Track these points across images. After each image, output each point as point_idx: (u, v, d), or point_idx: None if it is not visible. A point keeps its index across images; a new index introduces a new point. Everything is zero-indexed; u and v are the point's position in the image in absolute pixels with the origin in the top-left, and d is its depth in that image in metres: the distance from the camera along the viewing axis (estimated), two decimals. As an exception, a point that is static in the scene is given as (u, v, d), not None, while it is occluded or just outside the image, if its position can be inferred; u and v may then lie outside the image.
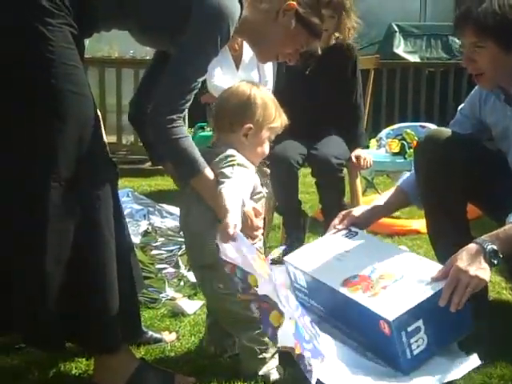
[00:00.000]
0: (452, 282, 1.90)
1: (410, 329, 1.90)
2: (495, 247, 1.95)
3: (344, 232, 2.33)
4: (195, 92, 1.92)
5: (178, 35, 1.93)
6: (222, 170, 1.88)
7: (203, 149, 1.98)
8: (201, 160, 1.90)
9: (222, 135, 2.00)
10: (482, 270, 1.91)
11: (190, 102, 1.91)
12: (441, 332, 1.97)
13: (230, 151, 1.92)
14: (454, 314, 1.92)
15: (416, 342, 1.92)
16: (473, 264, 1.92)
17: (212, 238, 1.86)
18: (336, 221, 2.38)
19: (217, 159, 1.91)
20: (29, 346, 2.10)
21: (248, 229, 1.89)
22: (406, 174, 2.59)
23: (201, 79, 1.92)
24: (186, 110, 1.93)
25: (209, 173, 1.90)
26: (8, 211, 1.80)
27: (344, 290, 2.02)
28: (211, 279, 1.95)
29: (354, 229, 2.34)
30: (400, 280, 2.01)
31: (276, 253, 2.23)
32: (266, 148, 2.01)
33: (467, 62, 2.26)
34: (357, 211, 2.42)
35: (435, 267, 2.03)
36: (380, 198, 2.57)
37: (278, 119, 1.99)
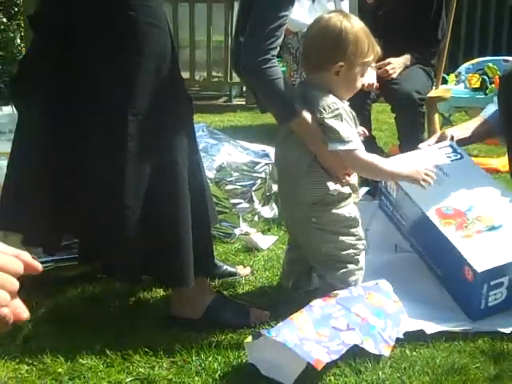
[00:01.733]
0: None
1: (493, 282, 1.86)
2: None
3: (448, 150, 2.20)
4: (284, 26, 1.84)
5: None
6: (329, 122, 1.82)
7: (297, 88, 1.93)
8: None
9: (312, 74, 1.92)
10: None
11: (281, 37, 1.84)
12: None
13: (331, 98, 1.85)
14: None
15: (495, 295, 1.88)
16: None
17: (310, 177, 1.86)
18: (432, 140, 2.27)
19: (319, 107, 1.84)
20: (109, 276, 2.17)
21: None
22: (491, 106, 2.47)
23: (289, 12, 1.85)
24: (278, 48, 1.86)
25: (306, 114, 1.86)
26: (87, 145, 1.83)
27: (436, 220, 1.95)
28: (306, 214, 1.92)
29: (459, 150, 2.19)
30: (497, 229, 1.94)
31: (360, 193, 2.21)
32: (358, 83, 1.93)
33: None
34: (452, 131, 2.31)
35: None
36: (468, 125, 2.44)
37: (371, 53, 1.88)
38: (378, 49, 1.93)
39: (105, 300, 2.16)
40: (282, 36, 1.86)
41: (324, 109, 1.83)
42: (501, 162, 3.60)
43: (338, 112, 1.84)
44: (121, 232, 1.83)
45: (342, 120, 1.83)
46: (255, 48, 1.82)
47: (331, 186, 1.87)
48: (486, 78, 4.41)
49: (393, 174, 1.97)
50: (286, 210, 2.05)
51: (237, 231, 2.73)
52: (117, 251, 1.87)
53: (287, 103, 1.86)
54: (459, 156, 2.18)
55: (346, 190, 1.92)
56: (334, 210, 1.90)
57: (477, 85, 4.45)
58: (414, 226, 2.09)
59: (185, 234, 1.87)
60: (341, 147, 1.82)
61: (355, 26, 1.86)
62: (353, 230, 1.94)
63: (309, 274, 2.05)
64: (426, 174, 1.93)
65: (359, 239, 1.95)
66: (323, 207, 1.90)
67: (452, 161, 2.17)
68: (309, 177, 1.87)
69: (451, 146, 2.21)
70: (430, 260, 2.06)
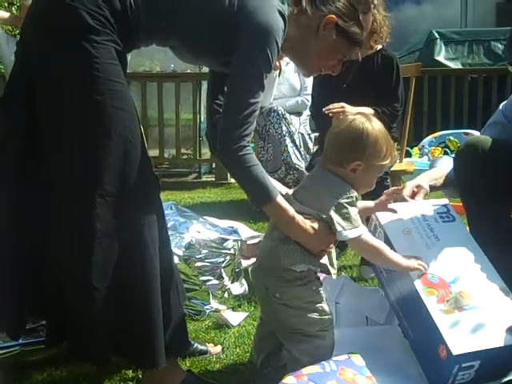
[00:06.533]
0: None
1: (464, 365, 1.85)
2: None
3: (442, 209, 2.21)
4: (257, 112, 1.89)
5: (223, 55, 1.94)
6: (346, 207, 1.88)
7: (317, 169, 2.01)
8: (271, 187, 1.89)
9: (330, 164, 1.96)
10: None
11: (254, 123, 1.89)
12: (490, 373, 1.92)
13: (351, 191, 1.91)
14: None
15: (463, 375, 1.88)
16: None
17: (284, 249, 1.90)
18: (406, 191, 2.26)
19: (338, 191, 1.90)
20: (76, 359, 2.13)
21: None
22: (446, 160, 2.51)
23: (260, 98, 1.90)
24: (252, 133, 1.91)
25: (280, 200, 1.89)
26: (56, 226, 1.83)
27: (419, 287, 1.95)
28: (270, 286, 1.93)
29: (453, 211, 2.21)
30: (478, 309, 1.93)
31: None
32: (372, 182, 2.00)
33: None
34: (424, 183, 2.32)
35: None
36: (432, 175, 2.45)
37: (388, 157, 1.94)
38: (396, 153, 2.00)
39: (73, 384, 2.11)
40: (255, 122, 1.90)
41: (341, 194, 1.89)
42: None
43: (353, 194, 1.90)
44: (87, 314, 1.81)
45: (354, 205, 1.90)
46: (230, 136, 1.85)
47: (306, 259, 1.90)
48: (448, 150, 4.54)
49: (392, 263, 2.00)
50: (256, 278, 2.05)
51: (207, 308, 2.72)
52: (84, 333, 1.84)
53: (262, 190, 1.88)
54: (451, 218, 2.20)
55: (312, 267, 1.93)
56: (296, 286, 1.91)
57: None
58: (397, 286, 2.10)
59: (155, 313, 1.85)
60: (350, 236, 1.88)
61: (376, 129, 1.92)
62: (317, 306, 1.93)
63: (279, 350, 2.04)
64: (419, 265, 1.99)
65: (325, 314, 1.95)
66: (286, 283, 1.91)
67: (444, 222, 2.18)
68: (287, 244, 1.91)
69: (446, 206, 2.24)
70: (406, 321, 2.06)
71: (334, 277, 2.01)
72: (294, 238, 1.90)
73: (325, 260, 1.96)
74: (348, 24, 2.00)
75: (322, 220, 1.90)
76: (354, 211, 1.90)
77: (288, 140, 4.59)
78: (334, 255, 2.00)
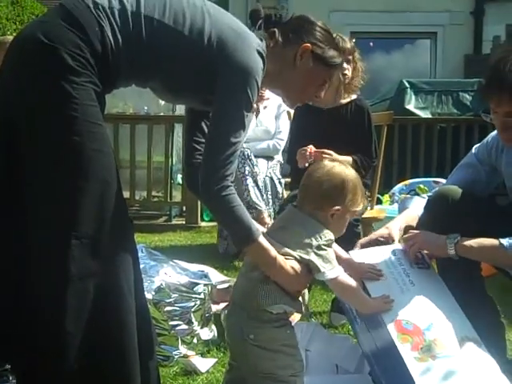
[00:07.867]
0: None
1: None
2: None
3: (417, 255, 2.22)
4: (238, 151, 1.91)
5: (204, 94, 1.96)
6: (323, 248, 1.92)
7: (290, 210, 2.03)
8: (254, 228, 1.89)
9: (308, 207, 1.99)
10: None
11: (236, 162, 1.91)
12: None
13: (329, 233, 1.95)
14: None
15: None
16: None
17: (263, 290, 1.90)
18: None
19: (317, 234, 1.93)
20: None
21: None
22: (417, 200, 2.56)
23: (242, 137, 1.91)
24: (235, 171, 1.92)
25: (263, 241, 1.89)
26: (30, 268, 1.80)
27: (393, 333, 1.95)
28: (245, 327, 1.91)
29: (426, 258, 2.24)
30: (451, 358, 1.93)
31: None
32: (344, 227, 2.04)
33: (503, 130, 2.20)
34: (394, 230, 2.37)
35: (491, 365, 1.95)
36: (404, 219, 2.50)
37: (361, 203, 2.02)
38: (365, 201, 2.07)
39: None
40: (237, 161, 1.92)
41: (320, 236, 1.93)
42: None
43: (331, 237, 1.95)
44: (59, 360, 1.76)
45: (331, 246, 1.95)
46: (212, 176, 1.86)
47: (283, 299, 1.90)
48: (418, 198, 4.58)
49: (363, 303, 2.03)
50: (229, 319, 2.03)
51: (175, 354, 2.67)
52: (54, 381, 1.79)
53: (245, 230, 1.88)
54: (426, 265, 2.22)
55: (288, 308, 1.93)
56: (272, 328, 1.90)
57: (410, 205, 4.61)
58: (371, 333, 2.08)
59: (132, 361, 1.82)
60: (330, 276, 1.91)
61: (354, 176, 2.00)
62: (291, 350, 1.92)
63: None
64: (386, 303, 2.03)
65: (298, 359, 1.94)
66: (261, 324, 1.90)
67: (419, 268, 2.20)
68: (266, 284, 1.90)
69: (420, 252, 2.25)
70: (378, 368, 2.05)
71: (307, 319, 2.01)
72: (273, 278, 1.90)
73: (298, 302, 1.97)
74: (324, 49, 2.03)
75: (300, 260, 1.91)
76: (331, 252, 1.94)
77: (250, 180, 4.70)
78: (306, 296, 2.01)
